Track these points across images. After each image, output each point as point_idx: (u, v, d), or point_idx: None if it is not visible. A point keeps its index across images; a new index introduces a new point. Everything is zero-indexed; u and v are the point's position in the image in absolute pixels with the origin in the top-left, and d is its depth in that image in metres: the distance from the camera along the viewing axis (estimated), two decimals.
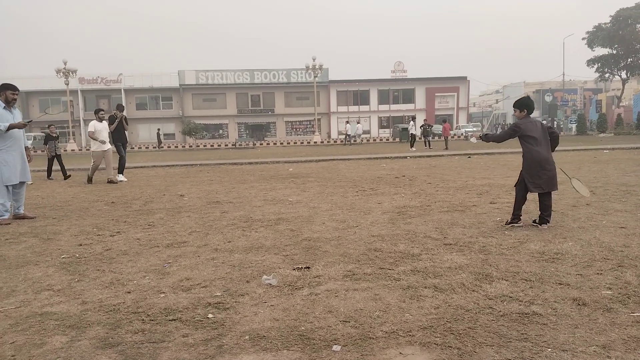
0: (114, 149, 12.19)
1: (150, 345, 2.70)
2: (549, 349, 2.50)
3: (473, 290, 3.39)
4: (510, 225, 5.36)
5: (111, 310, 3.23)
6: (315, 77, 45.99)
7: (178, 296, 3.47)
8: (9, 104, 6.71)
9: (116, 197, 9.08)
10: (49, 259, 4.66)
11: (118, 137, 12.35)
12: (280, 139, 54.23)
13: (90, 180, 11.90)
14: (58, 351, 2.67)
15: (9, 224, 6.53)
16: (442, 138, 25.99)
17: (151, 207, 7.71)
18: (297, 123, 59.07)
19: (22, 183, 6.96)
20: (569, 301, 3.14)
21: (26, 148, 7.10)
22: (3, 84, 6.77)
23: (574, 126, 47.34)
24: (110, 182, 11.56)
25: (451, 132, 37.22)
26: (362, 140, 43.10)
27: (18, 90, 6.89)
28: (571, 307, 3.05)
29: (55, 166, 14.05)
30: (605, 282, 3.49)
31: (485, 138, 5.70)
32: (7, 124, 6.57)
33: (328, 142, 46.76)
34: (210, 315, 3.09)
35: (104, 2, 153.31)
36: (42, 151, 14.03)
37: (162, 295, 3.51)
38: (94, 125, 11.61)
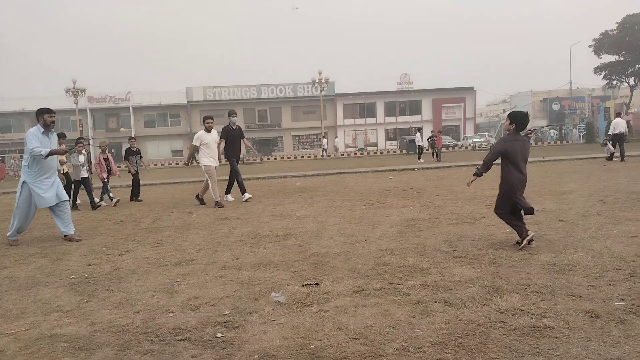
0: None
1: None
2: None
3: (484, 304, 3.35)
4: (526, 242, 4.87)
5: (120, 331, 3.23)
6: (321, 90, 46.22)
7: (187, 315, 3.46)
8: (48, 128, 6.58)
9: (125, 216, 9.13)
10: (58, 279, 4.68)
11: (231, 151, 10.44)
12: (288, 153, 54.34)
13: (202, 200, 10.27)
14: None
15: (19, 244, 6.57)
16: (435, 150, 26.03)
17: (160, 225, 7.73)
18: (304, 137, 59.23)
19: (61, 204, 6.75)
20: (582, 313, 3.10)
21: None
22: (40, 109, 6.67)
23: (582, 134, 47.02)
24: (201, 200, 10.11)
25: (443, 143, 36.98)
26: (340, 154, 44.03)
27: (54, 112, 6.79)
28: (584, 320, 3.00)
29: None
30: (617, 293, 3.44)
31: (480, 173, 5.18)
32: (48, 150, 6.44)
33: (335, 155, 46.81)
34: (219, 335, 3.07)
35: (111, 25, 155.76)
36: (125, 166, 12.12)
37: (171, 314, 3.50)
38: (201, 135, 9.87)
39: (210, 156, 9.79)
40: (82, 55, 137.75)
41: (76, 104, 44.20)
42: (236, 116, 10.72)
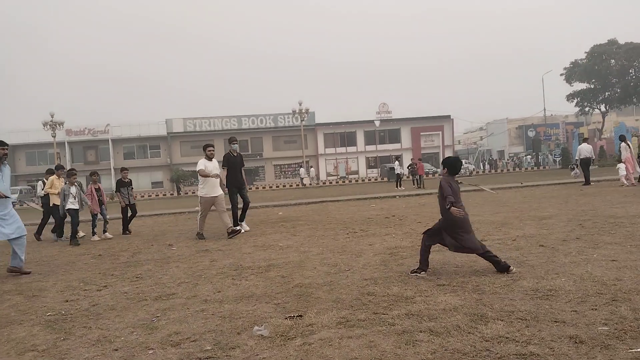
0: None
1: None
2: None
3: (469, 332, 3.33)
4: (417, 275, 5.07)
5: None
6: (302, 120, 46.62)
7: (167, 352, 3.36)
8: (1, 159, 6.57)
9: (103, 250, 8.94)
10: (34, 317, 4.53)
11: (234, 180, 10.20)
12: (269, 183, 54.29)
13: (202, 235, 9.62)
14: None
15: None
16: (416, 178, 26.35)
17: (139, 259, 7.58)
18: (286, 166, 59.35)
19: (22, 237, 6.82)
20: (566, 339, 3.10)
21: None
22: None
23: (558, 159, 48.07)
24: (232, 232, 9.24)
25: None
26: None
27: (7, 145, 6.75)
28: (568, 346, 3.00)
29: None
30: (600, 317, 3.46)
31: (450, 205, 5.04)
32: None
33: (317, 184, 46.90)
34: None
35: (85, 58, 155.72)
36: (112, 199, 12.22)
37: (151, 351, 3.40)
38: (204, 163, 9.46)
39: (210, 186, 9.45)
40: (60, 88, 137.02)
41: (54, 137, 43.69)
42: (237, 143, 10.51)
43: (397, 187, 25.66)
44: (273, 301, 4.51)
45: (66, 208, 10.20)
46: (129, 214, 11.75)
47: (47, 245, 10.30)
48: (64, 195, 10.18)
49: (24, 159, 56.57)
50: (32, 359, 3.43)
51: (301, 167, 46.78)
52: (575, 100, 55.78)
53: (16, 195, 44.54)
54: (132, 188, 12.01)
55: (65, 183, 10.43)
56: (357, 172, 59.12)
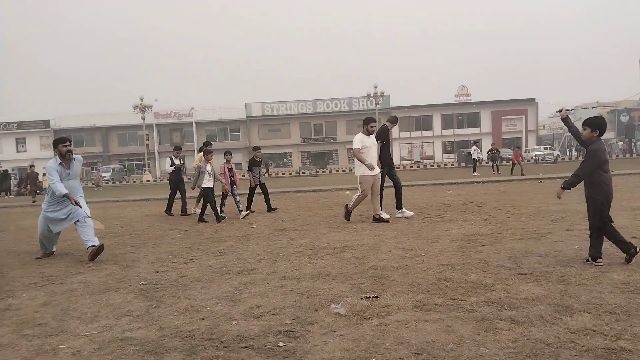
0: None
1: None
2: None
3: (553, 323, 3.21)
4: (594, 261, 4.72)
5: (187, 337, 3.35)
6: (376, 104, 46.19)
7: (249, 323, 3.54)
8: (64, 157, 6.49)
9: (189, 226, 9.46)
10: (128, 285, 4.91)
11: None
12: (343, 166, 54.50)
13: (348, 215, 8.86)
14: None
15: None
16: (511, 164, 25.05)
17: (221, 235, 7.95)
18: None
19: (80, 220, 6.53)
20: None
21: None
22: (55, 140, 6.70)
23: None
24: (379, 219, 8.44)
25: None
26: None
27: (69, 140, 6.70)
28: None
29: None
30: None
31: (572, 184, 4.79)
32: (65, 192, 6.30)
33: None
34: (281, 344, 3.12)
35: (181, 54, 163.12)
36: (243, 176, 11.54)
37: (235, 322, 3.59)
38: (361, 139, 8.45)
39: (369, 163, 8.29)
40: (149, 76, 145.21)
41: (143, 119, 46.46)
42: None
43: (473, 172, 24.89)
44: (349, 281, 4.58)
45: (202, 186, 10.17)
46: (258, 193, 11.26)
47: (139, 220, 11.03)
48: (200, 173, 10.16)
49: (116, 140, 60.70)
50: (128, 323, 3.73)
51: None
52: None
53: (109, 174, 48.02)
54: (266, 166, 11.52)
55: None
56: (432, 157, 57.83)
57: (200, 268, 5.53)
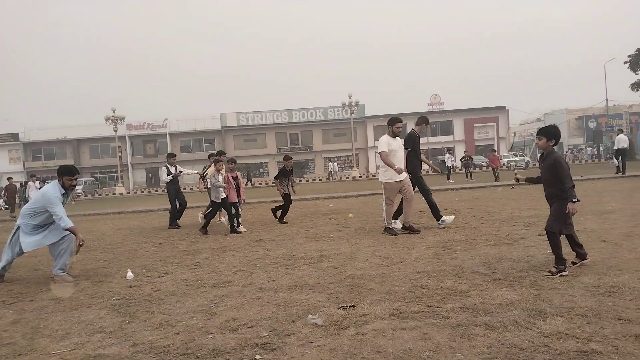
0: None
1: None
2: None
3: (527, 328, 3.26)
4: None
5: (161, 352, 3.28)
6: (351, 113, 46.51)
7: (225, 337, 3.49)
8: (66, 189, 6.00)
9: (163, 238, 9.31)
10: (101, 301, 4.80)
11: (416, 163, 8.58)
12: (319, 175, 54.58)
13: (392, 230, 7.97)
14: None
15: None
16: (490, 169, 25.44)
17: (197, 248, 7.86)
18: (335, 159, 59.55)
19: (54, 246, 6.03)
20: (631, 338, 2.98)
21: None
22: (60, 168, 6.09)
23: None
24: (410, 228, 7.86)
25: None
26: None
27: (78, 173, 6.23)
28: (634, 344, 2.89)
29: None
30: None
31: (574, 194, 4.64)
32: (70, 225, 5.75)
33: (367, 176, 46.70)
34: (257, 357, 3.09)
35: (149, 61, 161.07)
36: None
37: (210, 336, 3.54)
38: (387, 141, 7.92)
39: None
40: (119, 85, 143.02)
41: (115, 131, 45.68)
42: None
43: (447, 179, 25.25)
44: (326, 291, 4.57)
45: (219, 199, 9.61)
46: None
47: (111, 233, 10.82)
48: (214, 187, 9.65)
49: (88, 152, 59.59)
50: (100, 339, 3.64)
51: (330, 161, 47.85)
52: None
53: (81, 187, 46.99)
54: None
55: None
56: None
57: (175, 282, 5.44)
